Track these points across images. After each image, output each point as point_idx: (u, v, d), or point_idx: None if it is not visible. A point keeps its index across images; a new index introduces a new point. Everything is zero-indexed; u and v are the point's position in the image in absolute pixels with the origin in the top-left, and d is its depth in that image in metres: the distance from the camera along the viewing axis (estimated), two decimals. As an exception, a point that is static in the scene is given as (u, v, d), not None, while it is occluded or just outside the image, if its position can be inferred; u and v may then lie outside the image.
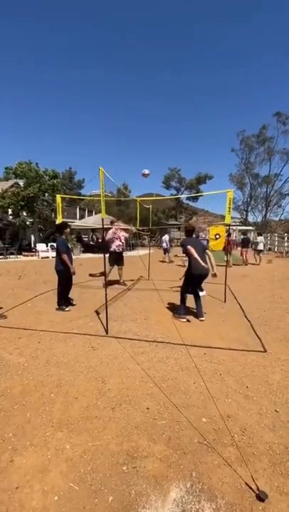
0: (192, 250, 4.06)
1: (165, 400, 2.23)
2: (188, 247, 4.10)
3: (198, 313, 4.36)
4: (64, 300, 4.94)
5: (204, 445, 1.77)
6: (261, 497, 1.39)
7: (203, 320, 4.24)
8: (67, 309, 4.81)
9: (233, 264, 11.40)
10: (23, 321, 4.20)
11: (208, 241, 6.65)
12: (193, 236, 4.60)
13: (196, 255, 4.04)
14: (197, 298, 4.43)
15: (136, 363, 2.83)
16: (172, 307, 4.94)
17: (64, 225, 5.04)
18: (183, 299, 4.43)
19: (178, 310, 4.45)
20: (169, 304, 5.22)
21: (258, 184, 33.67)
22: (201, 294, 5.95)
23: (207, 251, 4.47)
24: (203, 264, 4.08)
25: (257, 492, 1.43)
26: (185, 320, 4.23)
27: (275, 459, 1.67)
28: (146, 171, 7.01)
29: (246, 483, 1.49)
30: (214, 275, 4.41)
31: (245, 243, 12.18)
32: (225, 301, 5.37)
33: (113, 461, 1.64)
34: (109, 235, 6.83)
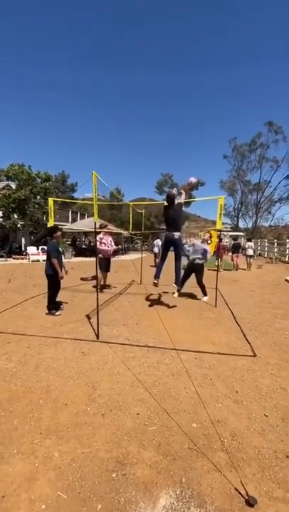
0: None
1: (156, 405, 2.23)
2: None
3: (175, 280, 5.10)
4: (54, 304, 4.88)
5: (194, 450, 1.77)
6: (250, 502, 1.40)
7: (174, 287, 5.17)
8: (57, 313, 4.75)
9: (224, 269, 11.54)
10: (12, 326, 4.12)
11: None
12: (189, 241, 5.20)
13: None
14: (175, 264, 5.05)
15: (127, 368, 2.81)
16: (166, 311, 4.95)
17: (55, 228, 5.00)
18: (158, 265, 5.32)
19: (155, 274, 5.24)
20: (159, 308, 5.22)
21: (248, 191, 34.30)
22: (204, 299, 6.00)
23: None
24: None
25: (246, 497, 1.43)
26: (156, 282, 5.13)
27: (264, 463, 1.69)
28: (194, 180, 6.08)
29: (236, 489, 1.50)
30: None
31: (236, 248, 12.39)
32: (216, 306, 5.41)
33: (102, 468, 1.62)
34: (100, 243, 6.63)
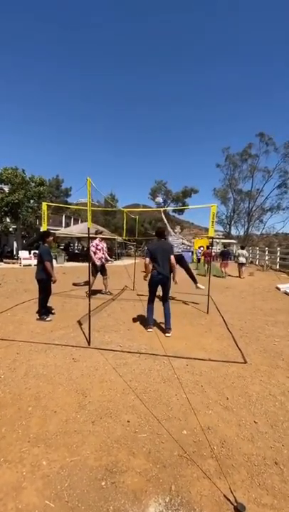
0: (147, 260, 4.21)
1: (146, 412, 2.22)
2: (147, 258, 4.22)
3: (165, 325, 4.21)
4: (45, 309, 4.82)
5: (184, 458, 1.77)
6: (239, 509, 1.40)
7: (168, 336, 4.02)
8: (48, 319, 4.69)
9: (214, 276, 11.63)
10: (1, 331, 4.05)
11: (192, 252, 6.85)
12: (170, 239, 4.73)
13: (149, 264, 4.20)
14: (165, 307, 4.27)
15: (118, 375, 2.79)
16: (158, 318, 4.95)
17: (47, 233, 4.99)
18: (148, 308, 4.38)
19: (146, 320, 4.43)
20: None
21: (240, 199, 34.95)
22: (201, 286, 6.19)
23: (171, 257, 4.27)
24: (160, 269, 4.14)
25: (235, 504, 1.44)
26: (151, 330, 4.19)
27: (253, 470, 1.70)
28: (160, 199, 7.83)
29: (225, 496, 1.50)
30: (175, 282, 4.53)
31: (225, 256, 12.50)
32: (208, 313, 5.45)
33: (91, 477, 1.60)
34: (92, 247, 6.76)
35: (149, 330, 4.22)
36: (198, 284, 6.36)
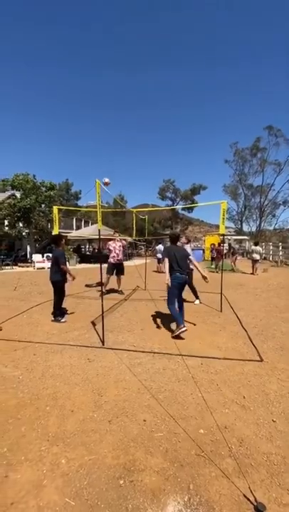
0: (166, 266, 4.17)
1: (162, 411, 2.22)
2: (166, 259, 4.20)
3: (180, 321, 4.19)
4: (60, 311, 4.92)
5: (202, 457, 1.76)
6: (259, 509, 1.38)
7: (184, 331, 3.94)
8: (63, 320, 4.78)
9: (224, 270, 11.52)
10: (18, 333, 4.16)
11: (203, 251, 6.76)
12: (180, 243, 4.67)
13: (166, 269, 4.16)
14: (181, 308, 4.37)
15: (133, 375, 2.81)
16: (170, 317, 4.93)
17: (60, 236, 5.11)
18: (173, 311, 4.22)
19: (176, 323, 4.23)
20: (164, 313, 5.21)
21: (251, 194, 34.31)
22: (195, 302, 6.04)
23: (190, 257, 4.52)
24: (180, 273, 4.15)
25: (255, 504, 1.42)
26: (185, 329, 4.00)
27: (272, 469, 1.67)
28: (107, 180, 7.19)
29: (244, 495, 1.48)
30: (205, 278, 4.40)
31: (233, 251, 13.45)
32: (221, 311, 5.38)
33: (110, 475, 1.62)
34: (107, 250, 7.30)
35: (183, 329, 3.94)
36: (196, 301, 6.14)
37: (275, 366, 3.03)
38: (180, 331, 3.91)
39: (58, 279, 4.79)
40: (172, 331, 4.11)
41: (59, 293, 4.87)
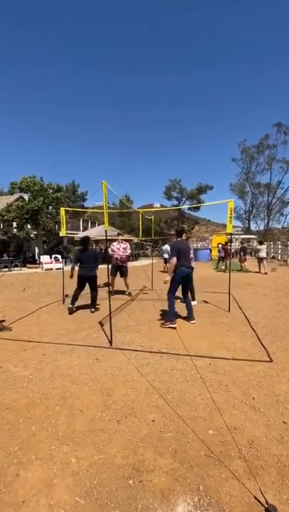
0: (174, 260, 4.36)
1: (171, 412, 2.21)
2: (174, 257, 4.37)
3: (189, 316, 4.61)
4: (93, 304, 5.61)
5: (211, 458, 1.75)
6: (270, 511, 1.37)
7: (194, 323, 4.53)
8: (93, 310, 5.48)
9: (232, 270, 11.43)
10: (27, 333, 4.22)
11: (210, 250, 6.74)
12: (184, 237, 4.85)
13: (173, 263, 4.38)
14: (188, 300, 4.70)
15: (141, 375, 2.81)
16: (178, 317, 4.92)
17: (88, 238, 5.88)
18: (171, 302, 4.50)
19: (167, 315, 4.57)
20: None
21: (259, 193, 33.91)
22: (193, 303, 5.97)
23: (190, 251, 4.83)
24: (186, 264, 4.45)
25: (266, 506, 1.40)
26: (174, 325, 4.27)
27: (283, 471, 1.64)
28: None
29: (255, 497, 1.47)
30: (166, 283, 4.63)
31: (243, 252, 13.12)
32: (229, 311, 5.34)
33: (119, 475, 1.63)
34: (110, 251, 7.18)
35: (173, 325, 4.23)
36: (194, 302, 6.10)
37: (285, 367, 2.98)
38: (170, 326, 4.28)
39: (96, 274, 5.53)
40: (188, 320, 4.57)
41: (96, 287, 5.60)
